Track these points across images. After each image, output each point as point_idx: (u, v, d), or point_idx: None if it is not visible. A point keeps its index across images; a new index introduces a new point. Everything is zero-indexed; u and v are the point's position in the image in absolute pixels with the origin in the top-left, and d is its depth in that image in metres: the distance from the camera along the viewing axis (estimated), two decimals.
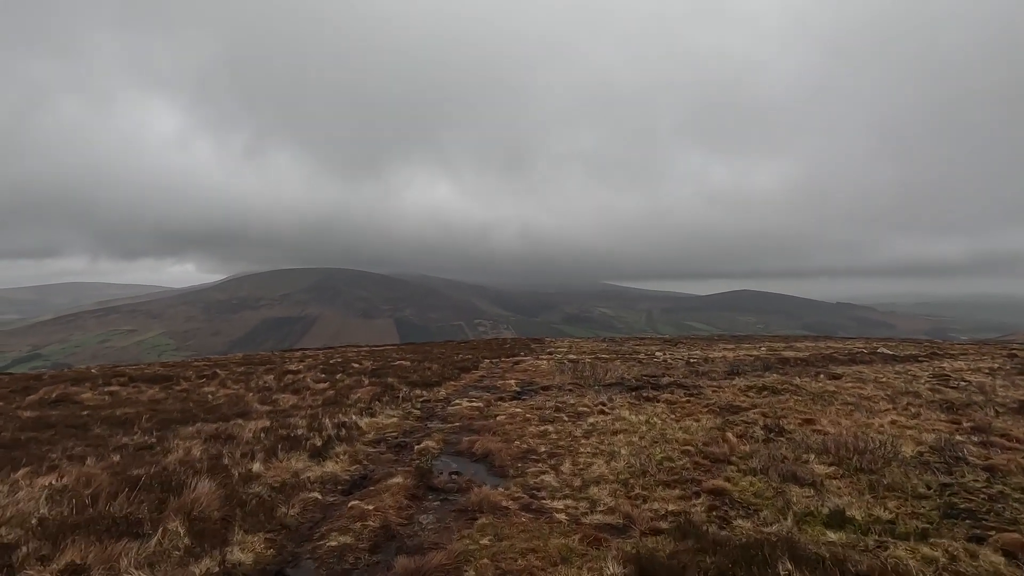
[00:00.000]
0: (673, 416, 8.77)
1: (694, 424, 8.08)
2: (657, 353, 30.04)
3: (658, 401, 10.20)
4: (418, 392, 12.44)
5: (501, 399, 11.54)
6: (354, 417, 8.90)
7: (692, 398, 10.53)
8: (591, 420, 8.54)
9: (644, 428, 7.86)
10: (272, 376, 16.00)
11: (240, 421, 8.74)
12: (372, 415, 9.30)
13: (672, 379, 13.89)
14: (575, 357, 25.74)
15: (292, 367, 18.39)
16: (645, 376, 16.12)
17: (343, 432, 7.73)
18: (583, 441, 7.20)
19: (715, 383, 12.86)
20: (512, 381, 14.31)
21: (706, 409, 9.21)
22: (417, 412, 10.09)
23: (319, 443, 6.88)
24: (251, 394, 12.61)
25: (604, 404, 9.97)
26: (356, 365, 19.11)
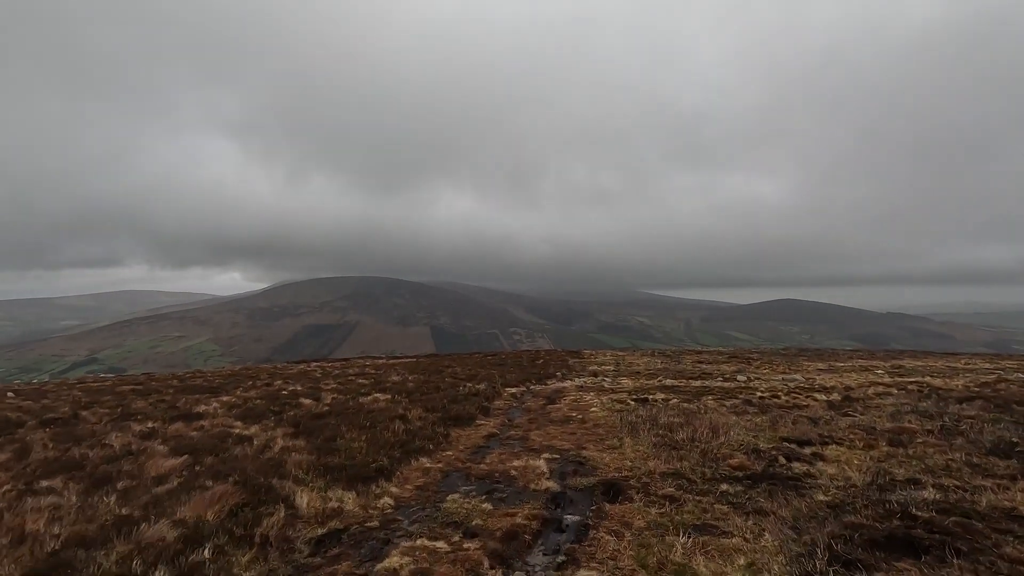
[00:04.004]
0: None
1: None
2: (739, 376, 22.18)
3: None
4: (331, 504, 5.52)
5: (511, 539, 4.56)
6: None
7: None
8: None
9: None
10: (142, 428, 9.54)
11: None
12: None
13: (885, 478, 6.36)
14: (631, 384, 18.33)
15: (204, 408, 11.91)
16: (786, 442, 8.69)
17: None
18: None
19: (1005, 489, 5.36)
20: (542, 460, 7.19)
21: None
22: None
23: None
24: (8, 486, 6.11)
25: None
26: (307, 402, 12.50)
